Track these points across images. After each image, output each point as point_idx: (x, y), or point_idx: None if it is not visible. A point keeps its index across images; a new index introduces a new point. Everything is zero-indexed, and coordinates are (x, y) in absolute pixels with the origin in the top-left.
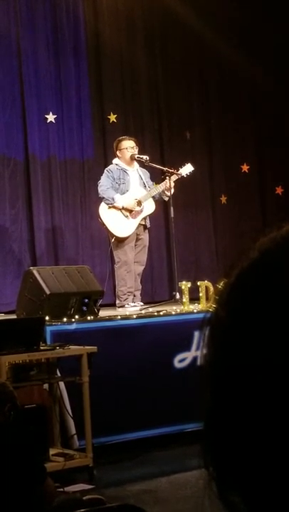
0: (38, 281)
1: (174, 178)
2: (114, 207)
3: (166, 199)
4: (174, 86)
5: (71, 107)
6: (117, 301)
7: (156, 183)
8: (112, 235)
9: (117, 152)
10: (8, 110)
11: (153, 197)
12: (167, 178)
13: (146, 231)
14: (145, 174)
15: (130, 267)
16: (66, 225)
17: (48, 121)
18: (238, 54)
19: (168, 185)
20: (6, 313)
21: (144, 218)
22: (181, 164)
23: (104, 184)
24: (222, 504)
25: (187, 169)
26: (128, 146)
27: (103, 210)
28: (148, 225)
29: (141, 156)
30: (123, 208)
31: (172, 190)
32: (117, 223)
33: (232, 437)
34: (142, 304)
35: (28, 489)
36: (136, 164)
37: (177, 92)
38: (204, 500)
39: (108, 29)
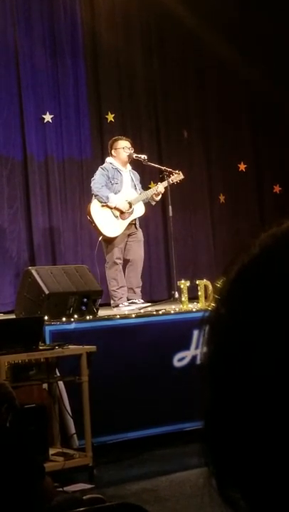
0: (37, 280)
1: (164, 184)
2: (107, 206)
3: (153, 204)
4: (171, 85)
5: (69, 107)
6: (112, 301)
7: (150, 185)
8: (100, 234)
9: (112, 151)
10: (5, 110)
11: (143, 200)
12: (158, 183)
13: (139, 229)
14: (136, 177)
15: (120, 266)
16: (64, 224)
17: (46, 120)
18: (235, 53)
19: (158, 190)
20: (5, 313)
21: (134, 219)
22: (178, 167)
23: (98, 182)
24: (222, 501)
25: (177, 178)
26: (124, 145)
27: (95, 207)
28: (138, 226)
29: (139, 156)
30: (115, 208)
31: (160, 197)
32: (107, 223)
33: (232, 435)
34: (142, 301)
35: (26, 489)
36: (129, 166)
37: (174, 91)
38: (204, 498)
39: (105, 29)
